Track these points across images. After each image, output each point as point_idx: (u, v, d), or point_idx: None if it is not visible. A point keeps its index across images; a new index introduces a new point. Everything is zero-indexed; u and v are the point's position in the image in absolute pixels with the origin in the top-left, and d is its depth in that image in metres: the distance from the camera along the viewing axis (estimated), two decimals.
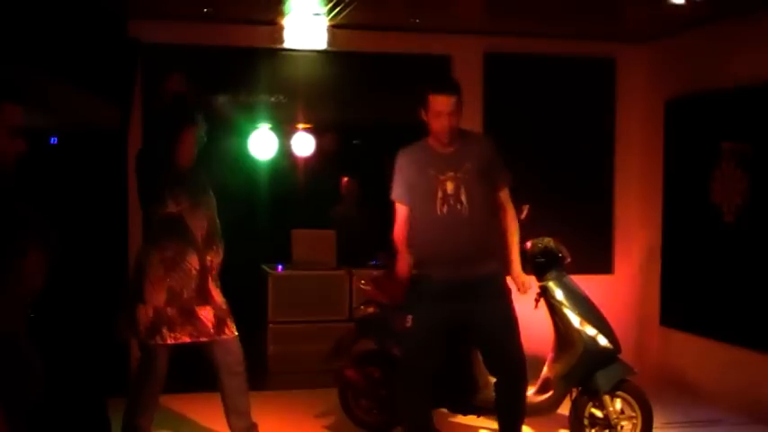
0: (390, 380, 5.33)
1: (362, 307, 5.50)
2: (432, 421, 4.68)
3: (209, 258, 4.68)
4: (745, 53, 5.99)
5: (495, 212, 4.55)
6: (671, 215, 6.82)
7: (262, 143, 6.98)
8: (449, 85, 4.47)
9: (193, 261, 4.62)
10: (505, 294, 4.50)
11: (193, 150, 4.72)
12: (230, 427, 4.90)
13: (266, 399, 5.54)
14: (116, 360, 6.16)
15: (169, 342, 4.62)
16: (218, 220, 4.81)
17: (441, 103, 4.35)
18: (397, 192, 4.55)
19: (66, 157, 6.01)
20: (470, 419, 5.37)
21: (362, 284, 5.57)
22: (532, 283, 4.82)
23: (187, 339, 4.65)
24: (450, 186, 4.36)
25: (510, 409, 4.58)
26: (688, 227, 6.57)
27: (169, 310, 4.60)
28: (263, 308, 6.63)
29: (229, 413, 4.88)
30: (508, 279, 4.60)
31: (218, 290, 4.76)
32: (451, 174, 4.37)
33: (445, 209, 4.34)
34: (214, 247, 4.72)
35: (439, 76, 4.51)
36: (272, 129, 6.97)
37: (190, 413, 5.76)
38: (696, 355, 6.48)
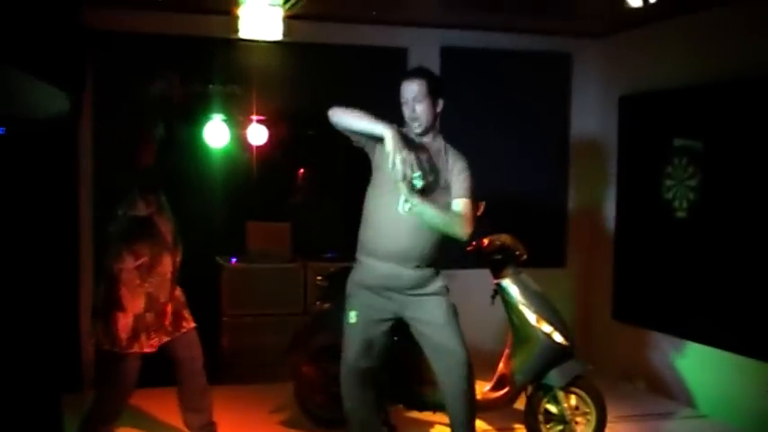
0: None
1: (319, 302, 5.47)
2: (378, 417, 4.64)
3: (177, 259, 4.61)
4: (697, 50, 6.05)
5: None
6: (624, 210, 6.89)
7: (215, 134, 6.88)
8: (412, 71, 4.47)
9: (167, 264, 4.53)
10: (444, 293, 4.43)
11: (154, 151, 4.59)
12: (186, 424, 4.84)
13: (220, 393, 5.47)
14: (69, 357, 6.06)
15: (146, 350, 4.50)
16: None
17: (404, 90, 4.36)
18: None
19: (13, 148, 5.86)
20: (427, 415, 5.38)
21: (319, 281, 5.53)
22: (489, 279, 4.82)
23: (157, 345, 4.55)
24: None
25: (456, 408, 4.51)
26: (641, 222, 6.64)
27: (148, 315, 4.48)
28: (217, 301, 6.57)
29: (186, 410, 4.80)
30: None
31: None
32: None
33: (407, 207, 4.25)
34: (179, 247, 4.65)
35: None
36: (225, 120, 6.87)
37: (145, 408, 5.71)
38: (648, 349, 6.57)
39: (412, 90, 4.33)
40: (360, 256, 4.46)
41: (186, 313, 4.73)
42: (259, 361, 6.40)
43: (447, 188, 4.37)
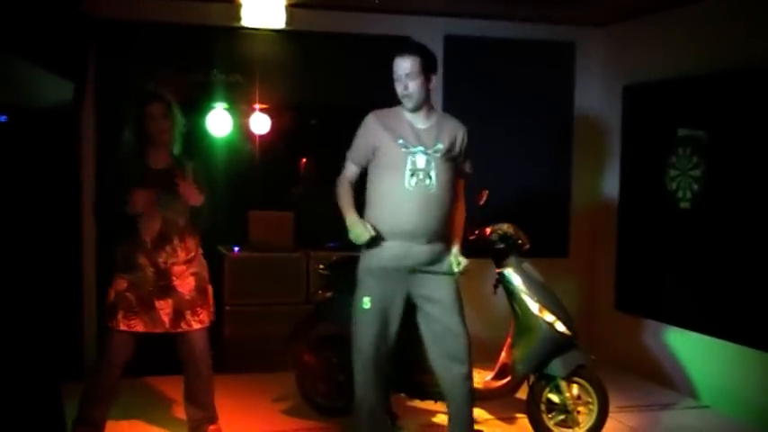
0: (348, 365, 5.32)
1: (321, 291, 5.47)
2: (387, 406, 4.63)
3: (161, 260, 4.57)
4: (702, 40, 6.02)
5: (456, 198, 4.53)
6: (627, 200, 6.87)
7: (217, 123, 6.87)
8: (405, 47, 4.42)
9: (144, 261, 4.55)
10: (453, 274, 4.44)
11: (165, 127, 4.61)
12: (186, 415, 4.87)
13: (222, 381, 5.45)
14: (70, 345, 6.06)
15: (122, 328, 4.54)
16: (185, 217, 4.69)
17: (397, 66, 4.35)
18: (355, 151, 4.51)
19: (15, 136, 5.86)
20: (428, 404, 5.37)
21: (320, 269, 5.53)
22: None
23: (141, 329, 4.58)
24: (420, 160, 4.32)
25: (455, 397, 4.51)
26: (644, 212, 6.62)
27: (129, 295, 4.55)
28: (219, 290, 6.55)
29: (188, 402, 4.84)
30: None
31: (191, 278, 4.68)
32: (422, 148, 4.33)
33: (414, 181, 4.29)
34: (167, 249, 4.59)
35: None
36: (227, 109, 6.86)
37: (158, 396, 5.77)
38: (650, 339, 6.56)
39: (405, 67, 4.32)
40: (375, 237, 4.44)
41: (190, 315, 4.67)
42: (261, 350, 6.40)
43: (454, 156, 4.44)
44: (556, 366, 4.92)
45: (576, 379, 4.98)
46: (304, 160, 7.78)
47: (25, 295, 4.48)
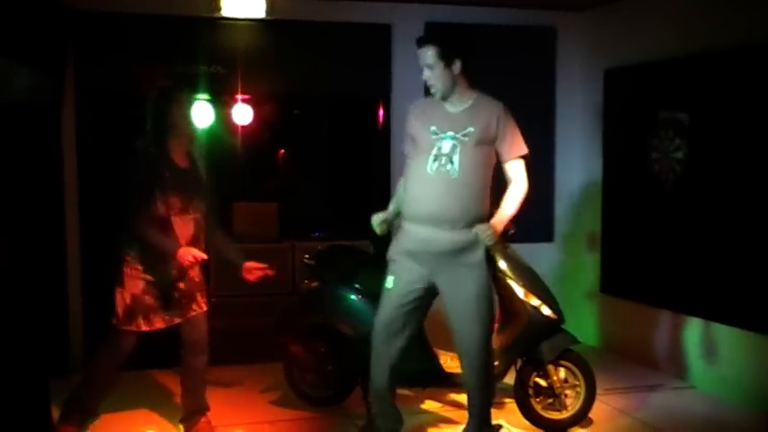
0: (336, 354, 5.34)
1: (307, 282, 5.46)
2: (393, 388, 4.62)
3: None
4: (682, 22, 6.03)
5: (489, 183, 4.44)
6: (611, 184, 6.89)
7: (200, 115, 6.82)
8: (421, 37, 4.40)
9: (173, 263, 4.52)
10: (482, 268, 4.39)
11: (188, 121, 4.67)
12: (182, 405, 4.89)
13: (210, 373, 5.45)
14: (56, 341, 6.04)
15: (144, 329, 4.56)
16: (205, 217, 4.74)
17: (419, 57, 4.34)
18: (405, 145, 4.56)
19: None
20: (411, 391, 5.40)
21: (306, 259, 5.52)
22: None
23: (161, 325, 4.59)
24: (446, 145, 4.30)
25: (471, 388, 4.55)
26: (628, 195, 6.64)
27: (146, 298, 4.54)
28: (205, 282, 6.54)
29: (185, 391, 4.86)
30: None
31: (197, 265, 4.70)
32: (451, 133, 4.30)
33: (435, 166, 4.29)
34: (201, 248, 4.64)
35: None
36: (209, 100, 6.82)
37: (147, 390, 5.76)
38: (636, 321, 6.59)
39: (423, 57, 4.31)
40: (402, 222, 4.48)
41: (200, 296, 4.76)
42: (248, 341, 6.39)
43: (490, 139, 4.36)
44: (542, 350, 4.94)
45: (563, 362, 5.01)
46: (288, 151, 7.76)
47: (10, 291, 4.44)
